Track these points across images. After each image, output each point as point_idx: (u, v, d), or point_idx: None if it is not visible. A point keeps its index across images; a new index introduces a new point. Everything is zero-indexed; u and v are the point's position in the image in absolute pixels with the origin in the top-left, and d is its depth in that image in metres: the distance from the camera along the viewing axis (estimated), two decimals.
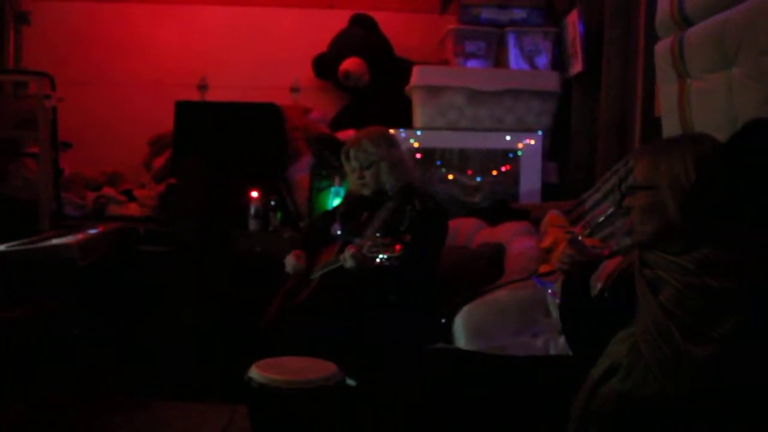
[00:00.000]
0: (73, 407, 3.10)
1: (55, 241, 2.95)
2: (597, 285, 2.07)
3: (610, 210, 1.89)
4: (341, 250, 2.76)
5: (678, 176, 1.61)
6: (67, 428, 2.91)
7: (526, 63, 4.55)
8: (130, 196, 4.63)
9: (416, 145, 4.32)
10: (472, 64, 4.61)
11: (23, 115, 4.66)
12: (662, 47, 2.89)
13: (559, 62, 4.53)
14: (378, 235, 2.54)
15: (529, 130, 4.35)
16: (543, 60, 4.54)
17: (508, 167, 4.33)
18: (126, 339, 3.62)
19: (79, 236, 3.09)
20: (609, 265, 2.01)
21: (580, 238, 1.85)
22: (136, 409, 3.26)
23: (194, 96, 4.79)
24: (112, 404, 3.25)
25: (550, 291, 2.40)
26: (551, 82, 4.39)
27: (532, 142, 4.31)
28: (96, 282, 3.34)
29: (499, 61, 4.70)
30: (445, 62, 4.79)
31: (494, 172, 4.33)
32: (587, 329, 1.87)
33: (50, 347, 3.09)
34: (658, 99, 3.21)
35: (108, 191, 4.67)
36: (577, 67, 4.24)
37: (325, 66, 5.06)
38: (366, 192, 2.95)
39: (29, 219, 4.31)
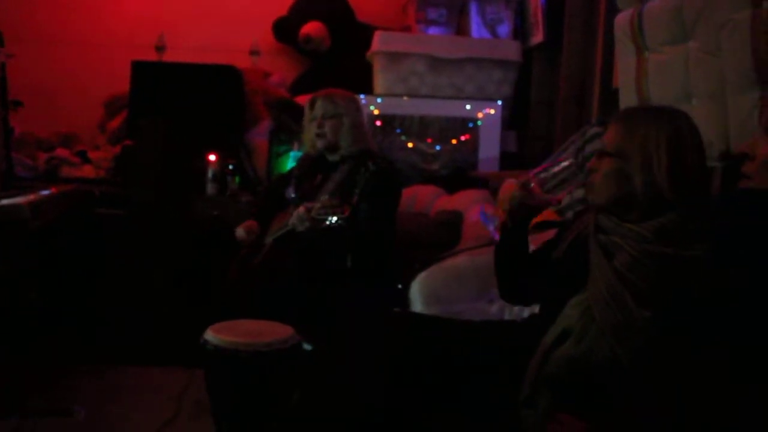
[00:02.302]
0: (30, 373, 3.07)
1: (4, 202, 2.85)
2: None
3: (566, 163, 1.89)
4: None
5: (650, 153, 1.63)
6: (23, 394, 2.88)
7: (488, 31, 4.55)
8: (84, 158, 4.53)
9: (376, 112, 4.31)
10: (433, 31, 4.59)
11: None
12: (622, 19, 2.93)
13: (520, 32, 4.55)
14: (326, 197, 2.55)
15: (489, 99, 4.36)
16: (504, 29, 4.54)
17: (467, 136, 4.34)
18: (82, 303, 3.58)
19: (31, 197, 3.00)
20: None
21: (531, 184, 1.87)
22: (93, 374, 3.25)
23: (151, 56, 4.69)
24: (70, 370, 3.23)
25: (491, 228, 2.42)
26: (512, 51, 4.40)
27: (492, 111, 4.33)
28: (50, 245, 3.28)
29: (460, 29, 4.69)
30: (407, 29, 4.76)
31: (454, 141, 4.35)
32: (519, 278, 1.93)
33: (5, 311, 3.03)
34: (617, 71, 3.25)
35: (61, 152, 4.55)
36: (538, 37, 4.26)
37: (285, 29, 4.99)
38: (320, 145, 2.90)
39: None
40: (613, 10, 3.26)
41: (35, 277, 3.17)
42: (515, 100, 4.47)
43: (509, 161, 4.33)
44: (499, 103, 4.35)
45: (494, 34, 4.56)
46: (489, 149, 4.29)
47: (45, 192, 3.25)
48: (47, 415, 2.60)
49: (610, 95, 3.56)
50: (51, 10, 5.06)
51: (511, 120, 4.46)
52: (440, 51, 4.33)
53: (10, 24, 4.41)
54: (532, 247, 2.33)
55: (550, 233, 2.69)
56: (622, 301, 1.58)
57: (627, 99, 2.92)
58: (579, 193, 3.03)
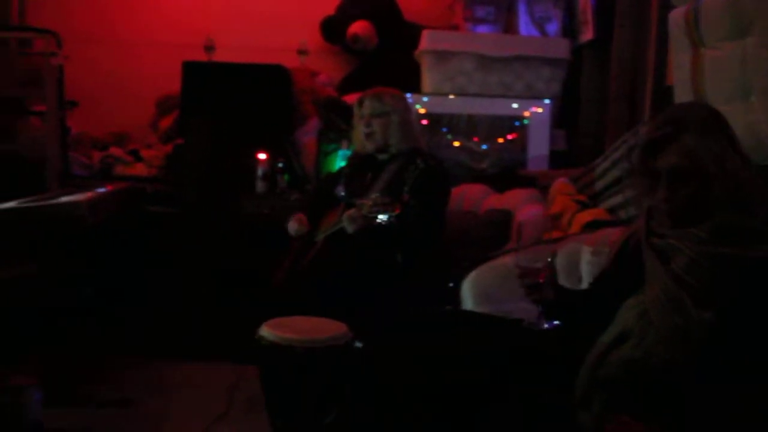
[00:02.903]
0: (83, 365, 3.14)
1: (64, 199, 2.94)
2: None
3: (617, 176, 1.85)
4: (345, 212, 2.77)
5: (722, 159, 1.57)
6: (74, 386, 2.94)
7: (536, 29, 4.52)
8: (136, 157, 4.63)
9: (422, 111, 4.31)
10: (481, 29, 4.58)
11: (29, 72, 4.64)
12: (677, 15, 2.87)
13: (569, 29, 4.49)
14: (377, 195, 2.55)
15: (537, 98, 4.32)
16: (553, 27, 4.50)
17: (514, 135, 4.31)
18: (134, 298, 3.65)
19: (88, 194, 3.09)
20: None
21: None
22: (144, 368, 3.31)
23: (201, 57, 4.75)
24: (120, 363, 3.30)
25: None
26: (561, 49, 4.36)
27: (540, 109, 4.29)
28: (104, 241, 3.36)
29: (508, 27, 4.66)
30: (455, 27, 4.75)
31: (500, 140, 4.32)
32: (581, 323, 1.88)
33: (60, 305, 3.11)
34: (671, 68, 3.19)
35: (115, 151, 4.66)
36: (587, 34, 4.21)
37: (333, 29, 5.02)
38: (369, 145, 2.92)
39: (36, 178, 4.31)
40: (666, 6, 3.20)
41: (90, 272, 3.25)
42: (564, 98, 4.43)
43: (558, 160, 4.29)
44: (547, 101, 4.31)
45: (543, 32, 4.52)
46: (538, 148, 4.26)
47: (100, 190, 3.34)
48: (102, 406, 2.65)
49: (663, 93, 3.50)
50: (104, 13, 5.17)
51: (561, 118, 4.42)
52: (488, 49, 4.31)
53: (66, 27, 4.53)
54: (588, 254, 2.31)
55: (603, 232, 2.67)
56: (680, 304, 1.55)
57: (682, 96, 2.86)
58: (629, 193, 2.99)
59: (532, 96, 4.33)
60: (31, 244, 2.92)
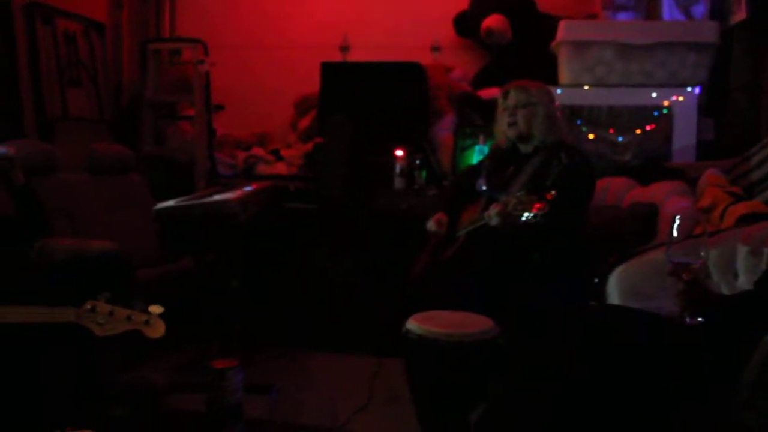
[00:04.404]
0: (230, 354, 3.29)
1: (217, 197, 3.10)
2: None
3: None
4: (486, 207, 2.74)
5: None
6: None
7: (681, 13, 4.29)
8: (277, 156, 4.81)
9: (556, 104, 4.20)
10: (622, 16, 4.40)
11: (179, 79, 4.94)
12: None
13: (718, 11, 4.23)
14: (523, 192, 2.49)
15: (681, 86, 4.11)
16: (700, 9, 4.25)
17: (652, 126, 4.12)
18: (279, 292, 3.79)
19: (238, 192, 3.24)
20: None
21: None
22: (288, 358, 3.44)
23: (336, 57, 4.88)
24: (265, 353, 3.44)
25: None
26: (709, 32, 4.11)
27: (681, 98, 4.08)
28: (252, 237, 3.51)
29: (651, 12, 4.46)
30: (593, 16, 4.61)
31: (638, 131, 4.14)
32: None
33: (212, 298, 3.28)
34: None
35: (257, 151, 4.86)
36: (740, 14, 3.94)
37: (466, 24, 5.00)
38: (511, 133, 2.88)
39: (186, 178, 4.59)
40: None
41: (238, 266, 3.40)
42: (713, 86, 4.18)
43: (706, 150, 4.05)
44: (689, 89, 4.08)
45: (688, 15, 4.28)
46: (684, 138, 4.04)
47: (248, 188, 3.49)
48: (248, 392, 2.76)
49: None
50: (246, 21, 5.40)
51: (708, 107, 4.18)
52: (630, 37, 4.13)
53: (213, 36, 4.79)
54: (744, 252, 2.18)
55: (760, 226, 2.51)
56: None
57: None
58: None
59: (676, 84, 4.12)
60: (187, 240, 3.09)
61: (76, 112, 4.49)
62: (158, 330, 1.90)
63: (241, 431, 1.78)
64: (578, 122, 4.22)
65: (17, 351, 2.09)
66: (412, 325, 2.15)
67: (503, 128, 2.90)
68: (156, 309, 1.87)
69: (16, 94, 4.05)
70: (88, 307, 1.88)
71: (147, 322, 1.90)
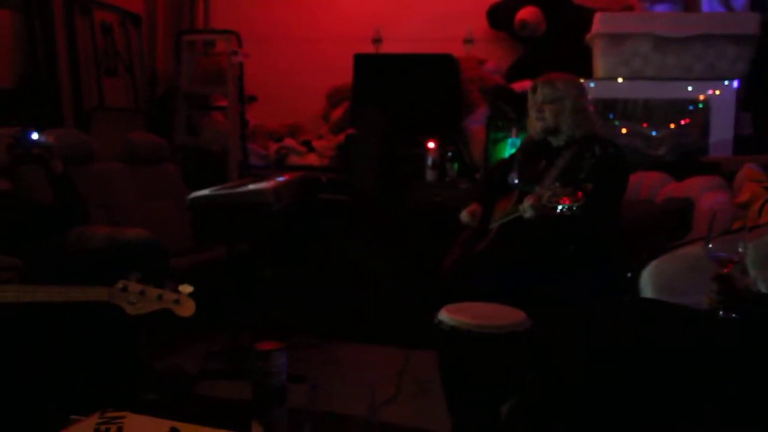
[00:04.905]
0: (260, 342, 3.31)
1: (251, 187, 3.12)
2: None
3: None
4: (519, 199, 2.73)
5: None
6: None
7: (721, 5, 4.21)
8: (309, 147, 4.83)
9: (587, 97, 4.15)
10: (659, 8, 4.34)
11: (212, 71, 4.98)
12: None
13: (759, 2, 4.14)
14: (558, 184, 2.47)
15: (720, 79, 4.04)
16: (740, 0, 4.17)
17: (687, 120, 4.06)
18: (310, 282, 3.80)
19: (272, 182, 3.25)
20: None
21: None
22: (317, 348, 3.45)
23: (368, 49, 4.88)
24: (295, 343, 3.46)
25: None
26: (750, 24, 4.02)
27: (718, 92, 4.00)
28: (284, 227, 3.52)
29: (689, 4, 4.38)
30: (629, 8, 4.55)
31: (672, 125, 4.08)
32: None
33: (243, 286, 3.31)
34: None
35: (289, 142, 4.89)
36: None
37: (499, 16, 4.96)
38: (539, 129, 2.86)
39: (218, 168, 4.63)
40: None
41: (270, 256, 3.42)
42: (752, 79, 4.10)
43: (744, 145, 3.97)
44: (726, 83, 4.00)
45: (728, 6, 4.20)
46: (721, 132, 3.97)
47: (281, 179, 3.51)
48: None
49: None
50: (279, 13, 5.43)
51: (747, 100, 4.09)
52: (667, 29, 4.06)
53: (246, 28, 4.82)
54: None
55: None
56: None
57: None
58: None
59: (715, 77, 4.05)
60: (221, 230, 3.11)
61: (112, 102, 4.55)
62: (188, 309, 1.92)
63: (285, 414, 1.79)
64: (611, 116, 4.17)
65: (58, 333, 2.14)
66: (444, 316, 2.15)
67: (533, 123, 2.90)
68: (186, 288, 1.89)
69: (56, 84, 4.12)
70: (120, 286, 1.91)
71: (177, 302, 1.92)
